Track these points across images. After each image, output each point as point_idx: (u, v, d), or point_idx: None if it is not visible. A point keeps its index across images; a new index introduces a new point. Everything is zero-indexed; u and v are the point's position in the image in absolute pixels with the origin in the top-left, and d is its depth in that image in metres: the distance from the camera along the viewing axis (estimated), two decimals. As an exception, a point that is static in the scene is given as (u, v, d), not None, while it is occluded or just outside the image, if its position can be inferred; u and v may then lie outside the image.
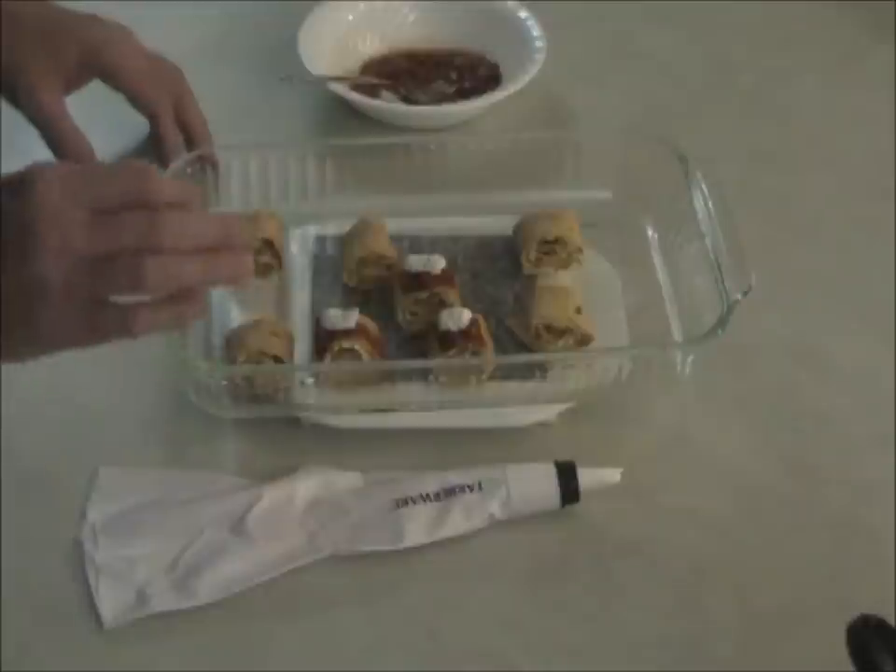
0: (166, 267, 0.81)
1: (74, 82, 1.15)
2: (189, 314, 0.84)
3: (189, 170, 1.10)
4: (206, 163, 1.12)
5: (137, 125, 1.19)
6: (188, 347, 1.01)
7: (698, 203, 1.06)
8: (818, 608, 0.91)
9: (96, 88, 1.16)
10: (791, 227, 1.17)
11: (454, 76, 1.29)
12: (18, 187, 0.80)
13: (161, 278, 0.80)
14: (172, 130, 1.17)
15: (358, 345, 1.00)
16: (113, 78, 1.16)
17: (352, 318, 1.01)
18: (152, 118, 1.17)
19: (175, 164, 1.10)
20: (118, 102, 1.17)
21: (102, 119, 1.18)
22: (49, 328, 0.81)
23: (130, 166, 0.83)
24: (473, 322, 1.02)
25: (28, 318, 0.80)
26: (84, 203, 0.80)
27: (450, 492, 0.95)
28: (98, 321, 0.81)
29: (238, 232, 0.84)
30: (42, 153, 1.14)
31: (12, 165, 1.15)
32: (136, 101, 1.17)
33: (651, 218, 1.12)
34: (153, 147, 1.17)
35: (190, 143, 1.18)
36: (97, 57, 1.14)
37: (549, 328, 1.03)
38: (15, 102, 1.14)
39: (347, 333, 1.00)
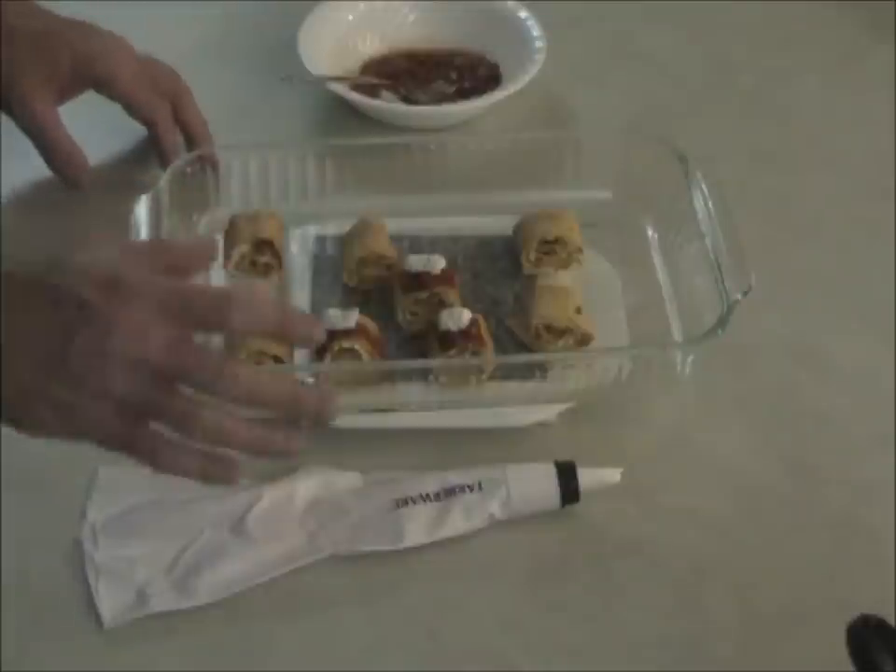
0: (221, 425, 0.81)
1: (67, 92, 1.15)
2: (216, 476, 0.84)
3: (188, 170, 1.10)
4: (206, 163, 1.12)
5: (137, 126, 1.20)
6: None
7: (698, 203, 1.06)
8: (818, 608, 0.91)
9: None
10: (791, 227, 1.17)
11: (454, 76, 1.29)
12: (111, 288, 0.80)
13: (211, 433, 0.81)
14: (170, 134, 1.17)
15: (358, 345, 1.00)
16: (107, 88, 1.16)
17: (352, 318, 1.01)
18: (149, 124, 1.17)
19: (175, 164, 1.10)
20: (116, 103, 1.17)
21: (101, 121, 1.18)
22: (88, 425, 0.80)
23: (220, 292, 0.84)
24: (473, 322, 1.02)
25: (74, 410, 0.80)
26: (170, 318, 0.80)
27: (450, 492, 0.95)
28: (131, 435, 0.81)
29: (304, 409, 0.84)
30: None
31: (12, 166, 1.16)
32: (132, 109, 1.17)
33: (651, 218, 1.12)
34: (154, 152, 1.17)
35: (191, 143, 1.18)
36: (90, 67, 1.14)
37: (549, 328, 1.03)
38: (9, 111, 1.14)
39: (347, 333, 1.00)
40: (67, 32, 1.15)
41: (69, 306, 0.79)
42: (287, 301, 0.87)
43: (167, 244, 0.86)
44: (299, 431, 0.84)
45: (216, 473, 0.84)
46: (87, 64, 1.14)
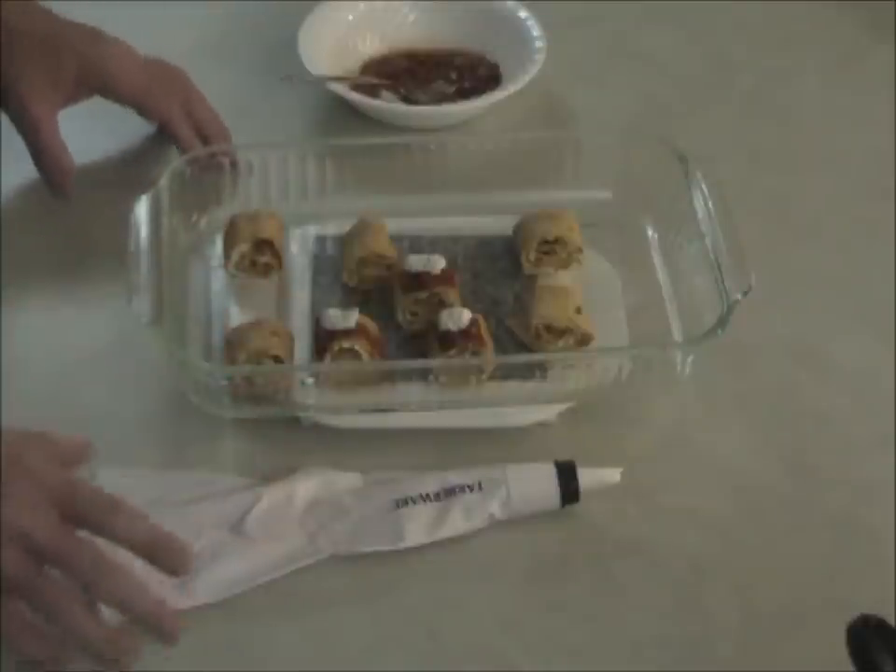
0: (85, 623, 0.82)
1: (71, 98, 1.15)
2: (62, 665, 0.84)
3: (188, 170, 1.10)
4: (223, 159, 1.12)
5: (137, 126, 1.20)
6: (188, 347, 1.01)
7: (698, 203, 1.06)
8: (818, 608, 0.91)
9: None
10: (791, 227, 1.17)
11: (454, 76, 1.29)
12: (11, 461, 0.82)
13: (75, 628, 0.82)
14: (186, 129, 1.17)
15: (358, 345, 1.00)
16: (114, 94, 1.16)
17: (352, 318, 1.01)
18: (163, 122, 1.17)
19: (175, 164, 1.09)
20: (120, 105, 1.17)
21: (101, 121, 1.18)
22: None
23: (108, 497, 0.85)
24: (473, 322, 1.02)
25: None
26: (57, 503, 0.82)
27: (450, 492, 0.95)
28: (12, 625, 0.83)
29: (167, 623, 0.85)
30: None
31: (12, 166, 1.16)
32: (143, 111, 1.17)
33: (651, 218, 1.12)
34: (175, 148, 1.17)
35: (207, 142, 1.18)
36: (96, 75, 1.15)
37: (549, 328, 1.03)
38: (7, 112, 1.14)
39: (347, 333, 1.00)
40: (73, 37, 1.14)
41: None
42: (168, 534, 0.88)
43: (50, 436, 0.88)
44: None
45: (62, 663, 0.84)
46: (92, 71, 1.14)
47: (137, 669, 0.88)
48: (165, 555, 0.84)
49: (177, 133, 1.17)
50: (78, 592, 0.83)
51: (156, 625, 0.84)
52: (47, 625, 0.83)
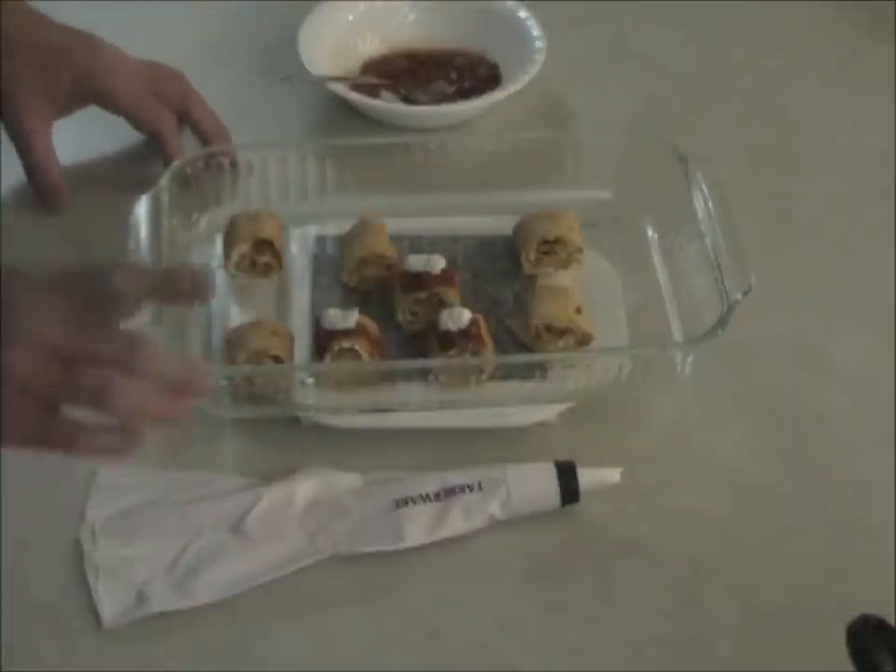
0: (135, 392, 0.78)
1: (67, 107, 1.15)
2: (127, 449, 0.80)
3: (189, 170, 1.10)
4: (223, 159, 1.11)
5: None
6: (188, 347, 1.01)
7: (698, 203, 1.06)
8: (818, 608, 0.91)
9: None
10: (791, 227, 1.17)
11: (454, 76, 1.29)
12: (9, 274, 0.79)
13: (127, 402, 0.78)
14: (174, 142, 1.17)
15: (358, 345, 1.00)
16: (109, 104, 1.16)
17: (352, 318, 1.01)
18: (154, 135, 1.17)
19: (175, 164, 1.09)
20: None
21: (101, 120, 1.18)
22: None
23: (120, 267, 0.82)
24: (473, 322, 1.02)
25: None
26: (74, 303, 0.79)
27: (450, 492, 0.95)
28: (43, 426, 0.78)
29: (201, 381, 0.82)
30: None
31: (12, 166, 1.16)
32: (136, 123, 1.17)
33: (651, 218, 1.12)
34: (161, 158, 1.17)
35: (207, 142, 1.18)
36: (92, 84, 1.15)
37: (549, 328, 1.03)
38: (3, 124, 1.14)
39: (347, 333, 1.00)
40: (70, 46, 1.14)
41: None
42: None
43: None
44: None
45: (130, 445, 0.80)
46: (88, 81, 1.14)
47: (137, 669, 0.88)
48: (180, 280, 0.83)
49: (166, 147, 1.17)
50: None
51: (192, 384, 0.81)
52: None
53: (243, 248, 1.08)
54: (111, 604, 0.90)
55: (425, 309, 1.04)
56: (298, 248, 1.11)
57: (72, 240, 1.13)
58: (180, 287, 0.83)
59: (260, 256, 1.08)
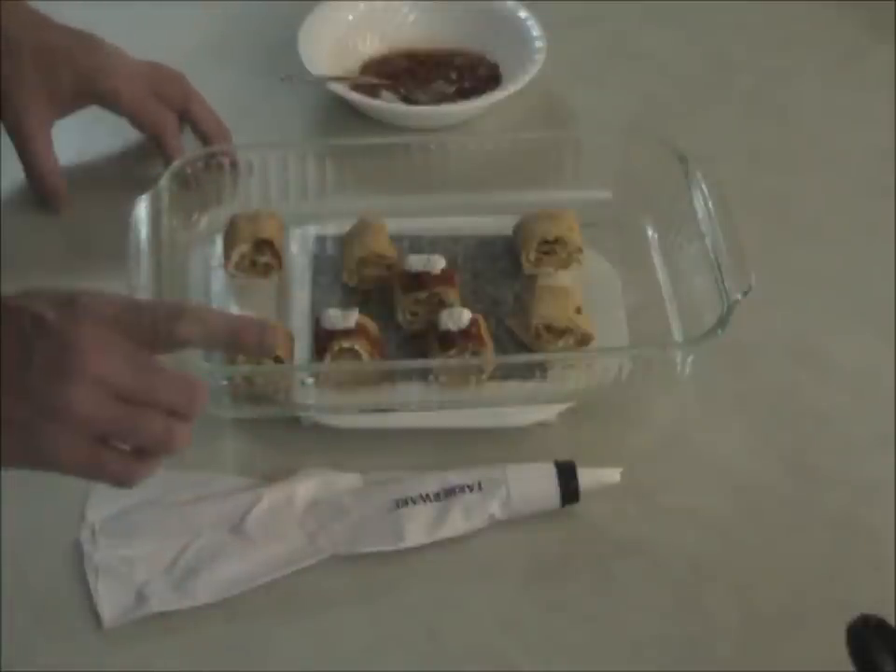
0: (189, 436, 0.82)
1: (67, 110, 1.16)
2: (152, 472, 0.84)
3: (189, 170, 1.10)
4: (223, 159, 1.11)
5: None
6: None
7: (698, 203, 1.06)
8: (818, 608, 0.91)
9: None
10: (791, 227, 1.17)
11: (454, 76, 1.29)
12: (67, 305, 0.80)
13: (183, 445, 0.82)
14: (175, 143, 1.17)
15: (358, 345, 1.00)
16: (111, 105, 1.16)
17: (352, 318, 1.01)
18: (155, 137, 1.17)
19: (175, 164, 1.09)
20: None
21: (101, 120, 1.18)
22: (52, 449, 0.79)
23: (172, 304, 0.85)
24: (473, 322, 1.02)
25: (36, 434, 0.78)
26: (122, 331, 0.80)
27: (450, 492, 0.95)
28: (100, 458, 0.80)
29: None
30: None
31: (12, 166, 1.16)
32: (137, 123, 1.17)
33: (651, 218, 1.12)
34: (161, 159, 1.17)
35: (207, 142, 1.18)
36: (93, 84, 1.15)
37: (549, 328, 1.03)
38: (4, 125, 1.14)
39: (347, 333, 1.00)
40: (71, 47, 1.14)
41: (26, 322, 0.78)
42: (241, 315, 0.88)
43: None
44: None
45: (153, 469, 0.83)
46: (89, 81, 1.14)
47: (137, 669, 0.88)
48: (247, 337, 0.85)
49: (167, 148, 1.17)
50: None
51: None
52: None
53: (243, 248, 1.08)
54: (111, 604, 0.90)
55: (425, 309, 1.04)
56: (298, 248, 1.11)
57: (72, 240, 1.13)
58: (246, 341, 0.86)
59: (260, 256, 1.08)
